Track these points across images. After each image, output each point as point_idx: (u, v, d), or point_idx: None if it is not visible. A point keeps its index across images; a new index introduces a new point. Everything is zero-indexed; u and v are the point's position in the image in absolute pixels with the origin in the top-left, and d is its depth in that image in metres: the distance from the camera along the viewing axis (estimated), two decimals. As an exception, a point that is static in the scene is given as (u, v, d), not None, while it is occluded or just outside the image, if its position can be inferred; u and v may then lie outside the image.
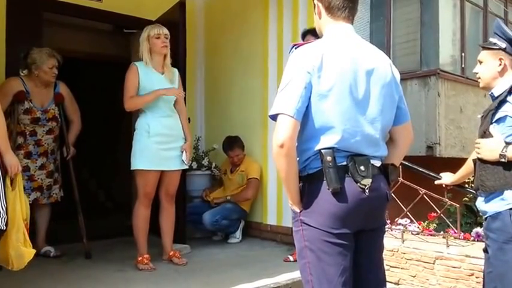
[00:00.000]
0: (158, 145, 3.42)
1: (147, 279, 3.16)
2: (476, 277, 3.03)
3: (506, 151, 2.03)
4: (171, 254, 3.57)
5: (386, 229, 2.22)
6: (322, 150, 1.62)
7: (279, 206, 4.45)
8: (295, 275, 3.03)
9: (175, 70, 3.67)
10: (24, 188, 2.88)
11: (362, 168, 1.64)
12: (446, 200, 3.41)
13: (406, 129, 1.87)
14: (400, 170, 3.41)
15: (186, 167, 3.69)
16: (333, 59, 1.65)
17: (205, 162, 4.93)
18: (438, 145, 5.82)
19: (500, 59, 2.17)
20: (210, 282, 3.11)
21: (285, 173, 1.65)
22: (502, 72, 2.18)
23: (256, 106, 4.65)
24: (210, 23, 5.35)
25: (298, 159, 1.67)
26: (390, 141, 1.86)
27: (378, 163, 1.73)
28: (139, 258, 3.41)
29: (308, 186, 1.68)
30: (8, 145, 2.39)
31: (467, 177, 2.52)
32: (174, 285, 3.06)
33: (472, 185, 2.38)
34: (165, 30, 3.50)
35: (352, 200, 1.62)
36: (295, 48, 1.71)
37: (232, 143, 4.61)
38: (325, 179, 1.61)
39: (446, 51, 6.43)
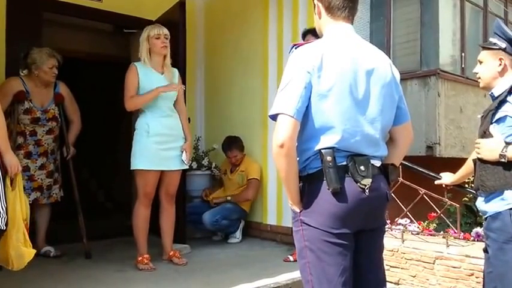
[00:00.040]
0: (158, 145, 3.42)
1: (147, 279, 3.16)
2: (476, 277, 3.03)
3: (506, 151, 2.03)
4: (171, 254, 3.57)
5: (386, 229, 2.22)
6: (322, 150, 1.62)
7: (279, 206, 4.45)
8: (295, 275, 3.03)
9: (175, 70, 3.67)
10: (24, 188, 2.88)
11: (362, 168, 1.64)
12: (446, 200, 3.41)
13: (406, 129, 1.87)
14: (400, 170, 3.41)
15: (186, 167, 3.69)
16: (333, 59, 1.65)
17: (205, 162, 4.93)
18: (438, 145, 5.82)
19: (500, 59, 2.17)
20: (210, 282, 3.11)
21: (285, 173, 1.65)
22: (502, 72, 2.18)
23: (256, 106, 4.64)
24: (210, 23, 5.34)
25: (298, 159, 1.67)
26: (390, 141, 1.87)
27: (378, 163, 1.73)
28: (139, 258, 3.41)
29: (308, 186, 1.68)
30: (8, 145, 2.39)
31: (467, 177, 2.52)
32: (174, 285, 3.06)
33: (472, 185, 2.38)
34: (165, 31, 3.50)
35: (352, 200, 1.63)
36: (295, 48, 1.71)
37: (231, 144, 4.60)
38: (325, 179, 1.62)
39: (446, 51, 6.43)
